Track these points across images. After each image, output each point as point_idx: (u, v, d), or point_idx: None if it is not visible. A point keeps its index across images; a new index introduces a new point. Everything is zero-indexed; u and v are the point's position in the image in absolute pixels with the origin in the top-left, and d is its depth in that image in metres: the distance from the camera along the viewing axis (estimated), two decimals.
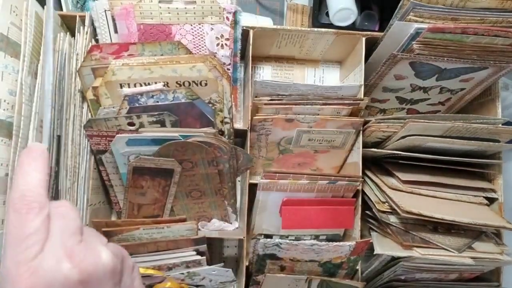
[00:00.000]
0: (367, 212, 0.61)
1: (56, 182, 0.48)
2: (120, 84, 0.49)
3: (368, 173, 0.61)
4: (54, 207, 0.28)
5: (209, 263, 0.54)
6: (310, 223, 0.57)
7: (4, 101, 0.42)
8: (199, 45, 0.55)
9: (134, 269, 0.32)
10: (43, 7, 0.47)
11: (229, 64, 0.57)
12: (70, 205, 0.29)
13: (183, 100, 0.50)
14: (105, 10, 0.53)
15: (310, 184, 0.55)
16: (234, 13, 0.54)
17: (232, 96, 0.54)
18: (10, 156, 0.41)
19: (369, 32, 0.59)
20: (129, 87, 0.50)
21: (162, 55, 0.52)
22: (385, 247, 0.56)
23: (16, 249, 0.25)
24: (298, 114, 0.56)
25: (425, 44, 0.50)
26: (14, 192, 0.27)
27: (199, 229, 0.58)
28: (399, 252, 0.55)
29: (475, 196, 0.59)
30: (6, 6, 0.43)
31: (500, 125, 0.55)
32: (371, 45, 0.59)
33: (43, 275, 0.24)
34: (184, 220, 0.51)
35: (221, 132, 0.55)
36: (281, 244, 0.54)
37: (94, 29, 0.54)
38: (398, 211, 0.53)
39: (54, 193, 0.48)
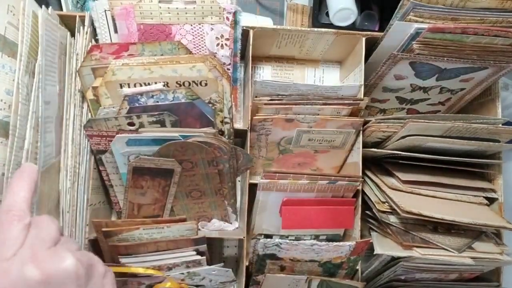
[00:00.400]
0: (367, 212, 0.61)
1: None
2: (120, 84, 0.49)
3: (368, 173, 0.61)
4: (35, 220, 0.33)
5: (209, 263, 0.54)
6: (310, 223, 0.57)
7: (1, 100, 0.42)
8: (199, 45, 0.55)
9: (107, 275, 0.35)
10: (41, 7, 0.47)
11: (229, 64, 0.57)
12: (49, 218, 0.34)
13: (183, 100, 0.50)
14: (105, 10, 0.53)
15: (310, 184, 0.55)
16: (234, 13, 0.54)
17: (232, 96, 0.54)
18: (6, 156, 0.41)
19: (369, 32, 0.59)
20: (129, 87, 0.50)
21: (162, 55, 0.51)
22: (385, 247, 0.56)
23: None
24: (298, 114, 0.56)
25: (425, 44, 0.50)
26: (1, 206, 0.32)
27: (199, 229, 0.58)
28: (399, 252, 0.55)
29: (475, 196, 0.59)
30: (3, 5, 0.42)
31: (500, 125, 0.55)
32: (371, 45, 0.59)
33: (9, 276, 0.29)
34: (184, 220, 0.51)
35: (221, 132, 0.55)
36: (281, 244, 0.54)
37: (94, 29, 0.54)
38: (398, 211, 0.53)
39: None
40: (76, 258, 0.31)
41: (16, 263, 0.29)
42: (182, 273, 0.53)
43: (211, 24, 0.54)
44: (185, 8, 0.52)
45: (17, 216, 0.32)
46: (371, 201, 0.58)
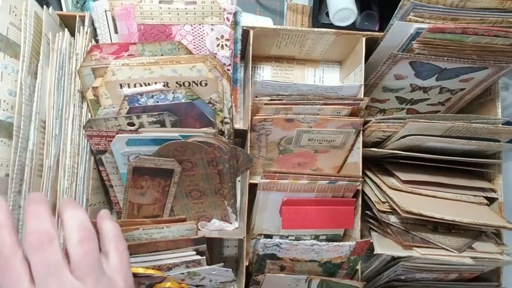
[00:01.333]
0: (367, 212, 0.61)
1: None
2: (120, 84, 0.49)
3: (368, 173, 0.61)
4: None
5: (209, 263, 0.54)
6: (310, 223, 0.57)
7: (4, 101, 0.42)
8: (200, 46, 0.55)
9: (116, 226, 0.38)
10: (43, 7, 0.47)
11: (229, 65, 0.57)
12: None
13: (183, 100, 0.50)
14: (105, 11, 0.53)
15: (310, 184, 0.55)
16: (235, 14, 0.54)
17: (232, 97, 0.54)
18: (10, 157, 0.41)
19: (369, 32, 0.59)
20: (129, 87, 0.50)
21: (162, 55, 0.51)
22: (385, 247, 0.56)
23: None
24: (298, 114, 0.56)
25: (425, 44, 0.50)
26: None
27: (199, 229, 0.58)
28: (399, 252, 0.55)
29: (475, 196, 0.59)
30: (5, 6, 0.42)
31: (500, 125, 0.55)
32: (371, 45, 0.59)
33: None
34: (183, 220, 0.51)
35: (221, 132, 0.55)
36: (281, 244, 0.54)
37: (94, 30, 0.54)
38: (398, 211, 0.53)
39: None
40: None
41: None
42: (182, 273, 0.53)
43: (212, 25, 0.54)
44: (186, 8, 0.52)
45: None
46: (371, 201, 0.58)
